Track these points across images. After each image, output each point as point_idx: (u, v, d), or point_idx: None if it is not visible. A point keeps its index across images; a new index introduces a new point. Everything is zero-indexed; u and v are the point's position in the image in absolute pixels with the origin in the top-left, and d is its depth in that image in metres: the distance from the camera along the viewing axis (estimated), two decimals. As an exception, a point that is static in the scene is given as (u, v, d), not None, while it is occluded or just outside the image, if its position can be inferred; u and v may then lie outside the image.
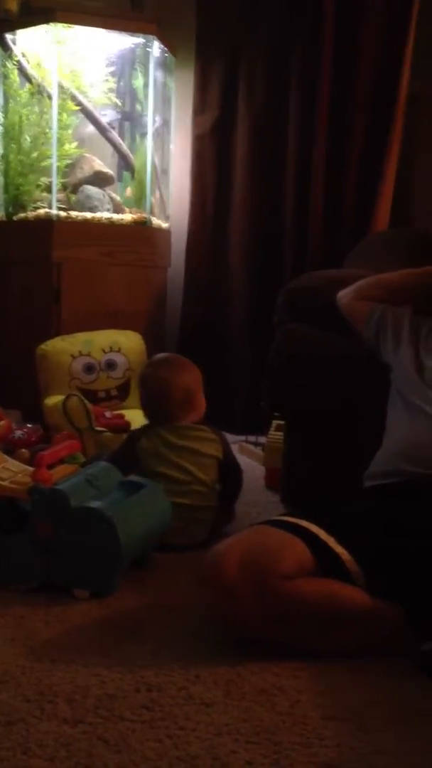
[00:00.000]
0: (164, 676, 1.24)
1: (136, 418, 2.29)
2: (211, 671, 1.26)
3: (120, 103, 3.11)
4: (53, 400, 2.49)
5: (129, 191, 3.13)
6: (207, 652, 1.33)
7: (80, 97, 2.95)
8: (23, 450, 2.24)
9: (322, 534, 1.37)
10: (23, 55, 2.94)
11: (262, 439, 2.60)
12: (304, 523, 1.39)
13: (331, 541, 1.37)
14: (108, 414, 2.43)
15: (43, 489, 1.56)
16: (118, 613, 1.49)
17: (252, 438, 2.79)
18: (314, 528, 1.39)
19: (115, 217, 2.95)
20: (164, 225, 3.18)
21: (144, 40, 2.98)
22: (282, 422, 2.33)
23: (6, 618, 1.44)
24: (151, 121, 3.00)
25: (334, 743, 1.08)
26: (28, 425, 2.46)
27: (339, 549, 1.35)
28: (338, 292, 1.95)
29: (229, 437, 2.98)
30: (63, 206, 2.91)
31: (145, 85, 3.02)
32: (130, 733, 1.08)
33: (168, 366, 1.98)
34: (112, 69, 3.06)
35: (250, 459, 2.70)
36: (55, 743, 1.06)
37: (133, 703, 1.16)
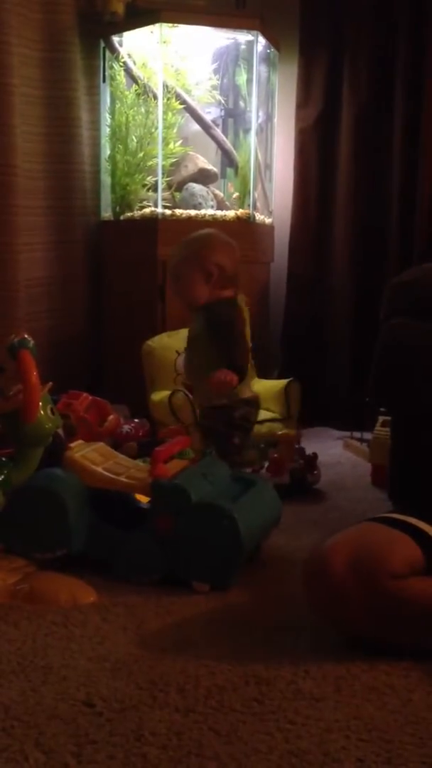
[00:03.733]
0: (273, 670, 1.24)
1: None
2: (320, 667, 1.25)
3: (223, 101, 3.13)
4: (159, 395, 2.52)
5: (231, 186, 3.15)
6: (314, 648, 1.32)
7: (184, 96, 2.98)
8: (132, 443, 2.30)
9: (432, 532, 1.35)
10: (129, 56, 2.99)
11: (368, 436, 2.57)
12: (414, 521, 1.37)
13: (442, 540, 1.34)
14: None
15: (165, 483, 1.59)
16: (226, 606, 1.50)
17: (357, 434, 2.76)
18: (423, 525, 1.36)
19: (218, 213, 2.97)
20: (267, 220, 3.18)
21: (248, 37, 2.98)
22: (388, 418, 2.29)
23: (118, 607, 1.48)
24: (255, 116, 3.00)
25: (447, 745, 1.06)
26: (136, 420, 2.51)
27: (450, 548, 1.33)
28: None
29: (332, 433, 2.99)
30: (168, 204, 2.95)
31: (249, 81, 3.02)
32: (240, 725, 1.09)
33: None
34: (215, 66, 3.07)
35: (356, 455, 2.68)
36: (167, 731, 1.08)
37: (242, 695, 1.17)
